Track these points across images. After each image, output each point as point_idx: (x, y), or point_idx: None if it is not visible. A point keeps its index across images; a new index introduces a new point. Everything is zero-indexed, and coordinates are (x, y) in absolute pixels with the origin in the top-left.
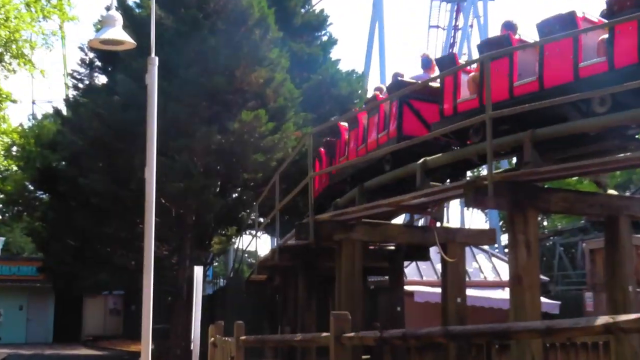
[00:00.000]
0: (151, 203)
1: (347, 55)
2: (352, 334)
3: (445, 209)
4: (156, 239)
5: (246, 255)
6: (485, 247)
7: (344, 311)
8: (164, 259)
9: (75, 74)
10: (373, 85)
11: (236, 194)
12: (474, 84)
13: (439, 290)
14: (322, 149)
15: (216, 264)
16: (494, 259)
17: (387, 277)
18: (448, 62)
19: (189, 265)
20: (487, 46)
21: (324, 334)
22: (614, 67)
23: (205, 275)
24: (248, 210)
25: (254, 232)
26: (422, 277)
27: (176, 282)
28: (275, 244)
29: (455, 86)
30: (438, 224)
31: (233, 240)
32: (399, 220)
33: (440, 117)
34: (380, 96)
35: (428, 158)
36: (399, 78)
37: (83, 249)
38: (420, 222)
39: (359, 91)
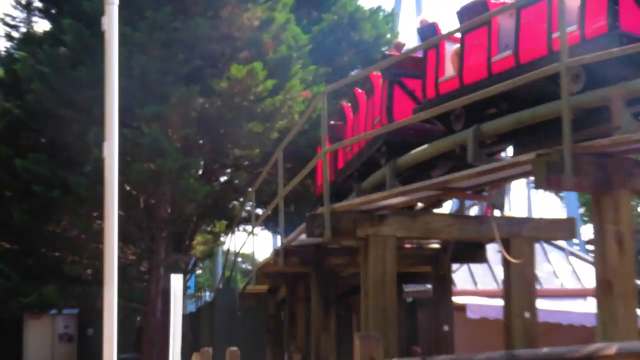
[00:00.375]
0: (112, 191)
1: None
2: None
3: (507, 192)
4: (120, 240)
5: (240, 259)
6: (562, 243)
7: (373, 332)
8: (130, 266)
9: (7, 18)
10: (405, 27)
11: (225, 178)
12: (457, 58)
13: (499, 302)
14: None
15: (200, 271)
16: (573, 259)
17: (429, 286)
18: (429, 33)
19: (164, 274)
20: (466, 13)
21: None
22: (585, 38)
23: (185, 287)
24: (241, 199)
25: (249, 228)
26: (476, 286)
27: (147, 297)
28: (279, 244)
29: (438, 62)
30: (498, 213)
31: (222, 239)
32: (444, 210)
33: (424, 100)
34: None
35: (485, 124)
36: (385, 52)
37: (22, 254)
38: (473, 212)
39: (388, 35)
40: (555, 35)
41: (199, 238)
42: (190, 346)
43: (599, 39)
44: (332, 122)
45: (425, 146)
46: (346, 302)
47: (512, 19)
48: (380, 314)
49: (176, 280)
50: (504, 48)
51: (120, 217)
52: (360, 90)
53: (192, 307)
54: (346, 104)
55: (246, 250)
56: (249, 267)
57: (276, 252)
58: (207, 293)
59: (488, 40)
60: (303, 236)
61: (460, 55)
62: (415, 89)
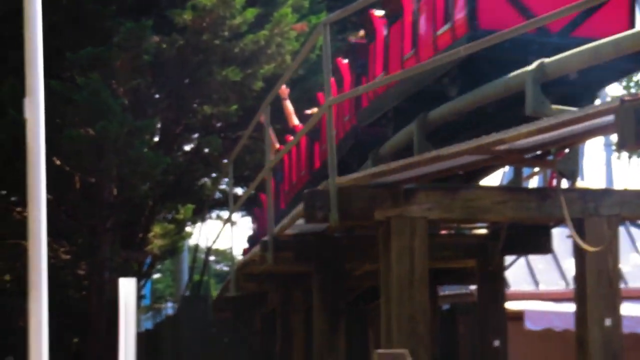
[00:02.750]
0: (38, 168)
1: None
2: None
3: (579, 156)
4: (49, 234)
5: (213, 257)
6: None
7: (398, 350)
8: (64, 269)
9: None
10: None
11: (191, 145)
12: None
13: (570, 307)
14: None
15: (158, 275)
16: None
17: (473, 288)
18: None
19: (109, 279)
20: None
21: None
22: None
23: (140, 296)
24: (214, 175)
25: (226, 214)
26: (537, 286)
27: (88, 310)
28: (267, 234)
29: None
30: (567, 185)
31: (188, 230)
32: (492, 182)
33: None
34: None
35: (548, 60)
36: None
37: None
38: (533, 184)
39: None
40: (440, 32)
41: (156, 229)
42: None
43: (463, 39)
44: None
45: (468, 94)
46: (360, 312)
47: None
48: (407, 325)
49: (127, 287)
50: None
51: (49, 203)
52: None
53: (148, 324)
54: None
55: (222, 244)
56: (226, 268)
57: (263, 246)
58: (169, 304)
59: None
60: (300, 222)
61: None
62: None
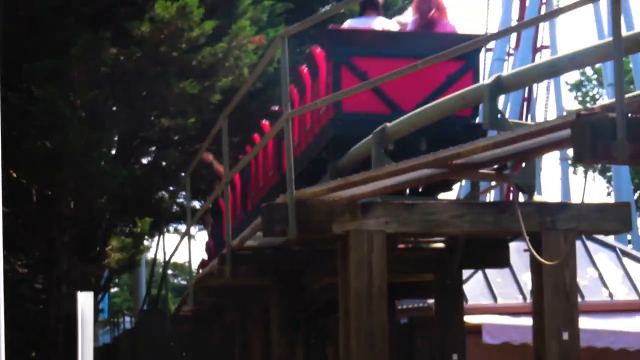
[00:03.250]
0: None
1: None
2: None
3: (536, 170)
4: (5, 247)
5: (171, 271)
6: (611, 239)
7: None
8: (21, 283)
9: None
10: None
11: (149, 158)
12: None
13: (528, 321)
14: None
15: (116, 289)
16: (627, 260)
17: (430, 302)
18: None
19: (67, 293)
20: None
21: None
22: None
23: (97, 311)
24: (172, 188)
25: (183, 227)
26: (495, 300)
27: (45, 325)
28: (225, 247)
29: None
30: (523, 198)
31: (146, 243)
32: (449, 196)
33: None
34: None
35: (506, 73)
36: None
37: None
38: (489, 198)
39: None
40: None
41: (114, 243)
42: None
43: (331, 121)
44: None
45: (426, 107)
46: (318, 326)
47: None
48: (365, 339)
49: (85, 300)
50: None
51: (5, 216)
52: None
53: (106, 339)
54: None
55: (180, 258)
56: (184, 282)
57: (221, 259)
58: (127, 318)
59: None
60: (258, 235)
61: None
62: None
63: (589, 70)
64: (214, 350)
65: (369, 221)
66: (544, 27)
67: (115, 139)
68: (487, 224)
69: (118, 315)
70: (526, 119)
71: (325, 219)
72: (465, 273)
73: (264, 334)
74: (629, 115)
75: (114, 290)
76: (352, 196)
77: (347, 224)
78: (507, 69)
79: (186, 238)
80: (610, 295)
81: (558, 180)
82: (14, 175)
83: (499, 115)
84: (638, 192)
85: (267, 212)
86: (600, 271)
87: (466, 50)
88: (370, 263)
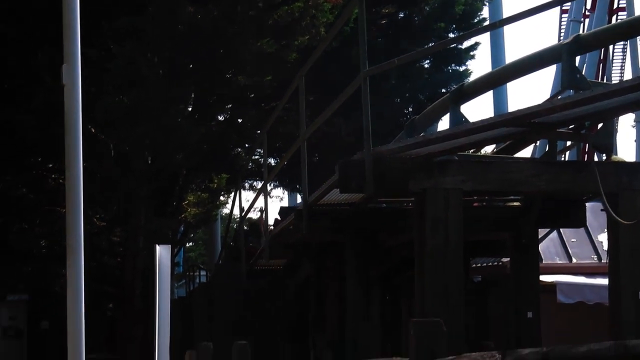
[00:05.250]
0: (75, 133)
1: None
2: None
3: (614, 130)
4: (84, 201)
5: (246, 226)
6: None
7: (432, 319)
8: (99, 236)
9: None
10: None
11: (225, 116)
12: None
13: (602, 281)
14: None
15: (191, 244)
16: None
17: (505, 260)
18: None
19: (143, 246)
20: None
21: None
22: None
23: (173, 264)
24: (248, 145)
25: (259, 184)
26: (570, 260)
27: (122, 277)
28: (301, 203)
29: None
30: (599, 158)
31: (222, 198)
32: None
33: None
34: None
35: (584, 33)
36: None
37: None
38: (565, 158)
39: None
40: None
41: (190, 198)
42: (180, 342)
43: None
44: None
45: (505, 65)
46: (393, 283)
47: None
48: (440, 296)
49: (163, 253)
50: None
51: (84, 170)
52: None
53: (181, 292)
54: None
55: (255, 215)
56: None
57: (297, 215)
58: (203, 273)
59: None
60: (335, 192)
61: None
62: None
63: None
64: (288, 304)
65: (445, 179)
66: None
67: (192, 96)
68: (564, 183)
69: (194, 269)
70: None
71: (402, 176)
72: (541, 232)
73: (339, 290)
74: None
75: (189, 244)
76: (429, 154)
77: (424, 181)
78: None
79: (262, 195)
80: None
81: (632, 143)
82: (93, 130)
83: (578, 75)
84: None
85: (344, 169)
86: None
87: None
88: (446, 220)
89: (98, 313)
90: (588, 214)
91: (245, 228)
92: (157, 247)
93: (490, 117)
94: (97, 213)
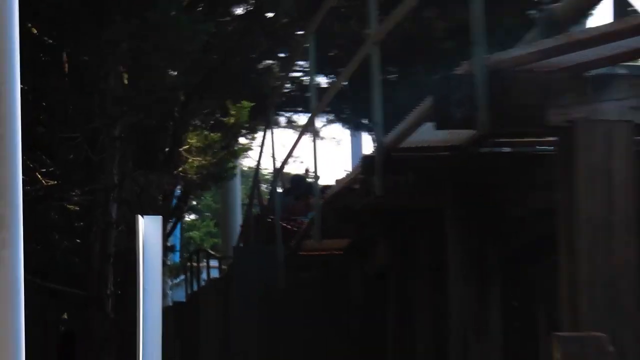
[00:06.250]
0: (10, 32)
1: None
2: None
3: None
4: (25, 146)
5: (281, 187)
6: None
7: (590, 333)
8: (46, 201)
9: None
10: None
11: (247, 7)
12: None
13: None
14: None
15: (194, 216)
16: None
17: None
18: None
19: (119, 218)
20: None
21: None
22: None
23: (166, 247)
24: (283, 55)
25: (302, 118)
26: None
27: (84, 269)
28: (371, 147)
29: None
30: None
31: (244, 141)
32: None
33: None
34: None
35: None
36: None
37: None
38: None
39: None
40: None
41: (192, 140)
42: None
43: None
44: None
45: None
46: (524, 276)
47: None
48: (603, 294)
49: (150, 229)
50: None
51: (22, 92)
52: None
53: (179, 295)
54: None
55: (294, 167)
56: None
57: (366, 165)
58: (212, 262)
59: None
60: (427, 129)
61: None
62: None
63: None
64: (354, 311)
65: (607, 104)
66: None
67: None
68: None
69: (198, 256)
70: None
71: (536, 100)
72: None
73: (435, 287)
74: None
75: (190, 217)
76: (578, 64)
77: (572, 108)
78: None
79: (308, 135)
80: None
81: None
82: (35, 31)
83: None
84: None
85: (442, 89)
86: None
87: None
88: (610, 172)
89: (45, 327)
90: None
91: (279, 190)
92: (141, 219)
93: None
94: (43, 165)
